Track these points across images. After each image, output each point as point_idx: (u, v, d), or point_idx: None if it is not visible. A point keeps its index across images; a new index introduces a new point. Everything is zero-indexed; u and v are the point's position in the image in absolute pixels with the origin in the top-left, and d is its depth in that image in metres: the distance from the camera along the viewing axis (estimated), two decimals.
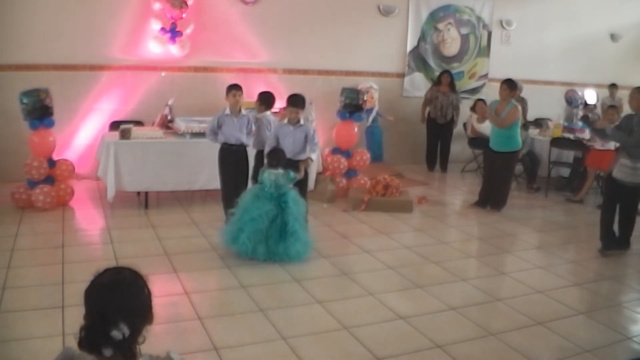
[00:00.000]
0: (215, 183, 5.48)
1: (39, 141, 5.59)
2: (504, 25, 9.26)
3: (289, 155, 4.79)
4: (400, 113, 8.60)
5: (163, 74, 7.08)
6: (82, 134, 6.82)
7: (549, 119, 8.70)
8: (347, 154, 6.77)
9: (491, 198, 6.45)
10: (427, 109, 8.43)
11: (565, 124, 8.14)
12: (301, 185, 4.85)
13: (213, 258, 4.54)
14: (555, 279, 4.50)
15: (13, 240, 4.69)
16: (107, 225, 5.32)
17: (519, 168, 7.47)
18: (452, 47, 8.93)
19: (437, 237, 5.43)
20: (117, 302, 1.52)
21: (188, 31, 6.94)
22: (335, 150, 6.83)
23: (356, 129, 6.87)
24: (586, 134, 7.59)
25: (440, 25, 8.77)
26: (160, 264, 4.35)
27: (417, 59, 8.71)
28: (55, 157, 5.80)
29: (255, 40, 7.47)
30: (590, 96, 9.31)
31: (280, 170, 4.51)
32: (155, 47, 6.85)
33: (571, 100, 8.92)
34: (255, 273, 4.25)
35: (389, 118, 8.25)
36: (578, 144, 7.29)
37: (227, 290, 4.00)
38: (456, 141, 8.62)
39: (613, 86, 9.60)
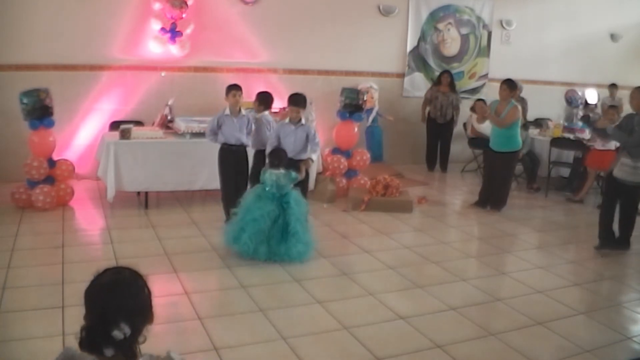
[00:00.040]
0: (215, 183, 5.49)
1: (39, 141, 5.59)
2: (504, 25, 9.26)
3: (290, 154, 4.80)
4: (400, 113, 8.60)
5: (163, 74, 7.08)
6: (82, 134, 6.82)
7: (549, 119, 8.70)
8: (347, 154, 6.77)
9: (491, 198, 6.45)
10: (427, 108, 8.42)
11: (565, 124, 8.14)
12: (302, 185, 4.85)
13: (213, 258, 4.54)
14: (555, 279, 4.50)
15: (13, 240, 4.69)
16: (107, 225, 5.32)
17: (519, 168, 7.46)
18: (452, 47, 8.93)
19: (437, 237, 5.43)
20: (117, 302, 1.52)
21: (188, 31, 6.94)
22: (335, 150, 6.83)
23: (356, 129, 6.87)
24: (586, 134, 7.60)
25: (440, 25, 8.77)
26: (160, 264, 4.35)
27: (417, 59, 8.71)
28: (55, 157, 5.80)
29: (255, 40, 7.47)
30: (592, 96, 9.31)
31: (282, 171, 4.50)
32: (155, 47, 6.85)
33: (571, 100, 8.92)
34: (255, 273, 4.25)
35: (389, 118, 8.25)
36: (578, 144, 7.28)
37: (227, 290, 4.00)
38: (456, 141, 8.62)
39: (613, 86, 9.59)
